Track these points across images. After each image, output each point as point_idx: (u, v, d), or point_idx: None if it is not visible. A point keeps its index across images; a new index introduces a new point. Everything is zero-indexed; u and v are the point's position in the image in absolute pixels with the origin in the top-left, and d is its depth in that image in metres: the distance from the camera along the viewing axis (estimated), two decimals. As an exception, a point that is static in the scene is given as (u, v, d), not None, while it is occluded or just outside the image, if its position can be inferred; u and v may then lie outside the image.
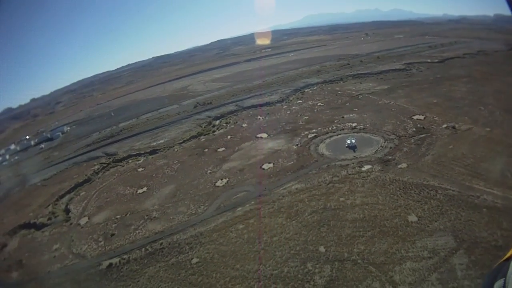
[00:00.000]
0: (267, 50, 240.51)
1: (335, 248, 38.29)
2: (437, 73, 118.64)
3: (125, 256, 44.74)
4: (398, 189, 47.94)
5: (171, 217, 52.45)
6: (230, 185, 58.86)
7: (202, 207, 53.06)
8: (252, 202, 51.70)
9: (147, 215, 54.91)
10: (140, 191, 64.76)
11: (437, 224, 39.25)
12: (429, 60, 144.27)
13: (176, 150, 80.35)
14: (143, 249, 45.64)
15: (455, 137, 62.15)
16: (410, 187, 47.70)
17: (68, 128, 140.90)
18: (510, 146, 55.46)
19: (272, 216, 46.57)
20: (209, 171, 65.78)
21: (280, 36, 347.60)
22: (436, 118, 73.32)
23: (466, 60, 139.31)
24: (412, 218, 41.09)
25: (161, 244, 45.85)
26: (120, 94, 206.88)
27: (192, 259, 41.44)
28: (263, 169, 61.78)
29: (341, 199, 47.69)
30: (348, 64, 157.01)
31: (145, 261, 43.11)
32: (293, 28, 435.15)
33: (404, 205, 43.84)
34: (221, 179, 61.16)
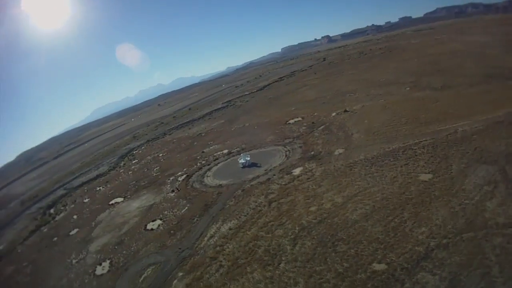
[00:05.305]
0: (69, 145, 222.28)
1: (393, 254, 21.34)
2: (268, 96, 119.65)
3: None
4: (366, 167, 36.08)
5: None
6: (118, 267, 34.93)
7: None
8: (180, 274, 28.99)
9: None
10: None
11: (455, 167, 30.59)
12: (247, 92, 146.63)
13: (19, 251, 58.76)
14: None
15: (359, 115, 58.34)
16: (378, 159, 36.94)
17: None
18: (422, 101, 55.80)
19: (238, 277, 25.30)
20: (74, 261, 41.88)
21: (75, 133, 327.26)
22: (316, 113, 68.43)
23: (288, 80, 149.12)
24: (425, 177, 30.00)
25: None
26: None
27: None
28: (151, 229, 40.58)
29: (312, 208, 30.95)
30: (162, 123, 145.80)
31: None
32: (84, 125, 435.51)
33: (399, 174, 32.01)
34: (99, 265, 37.42)
